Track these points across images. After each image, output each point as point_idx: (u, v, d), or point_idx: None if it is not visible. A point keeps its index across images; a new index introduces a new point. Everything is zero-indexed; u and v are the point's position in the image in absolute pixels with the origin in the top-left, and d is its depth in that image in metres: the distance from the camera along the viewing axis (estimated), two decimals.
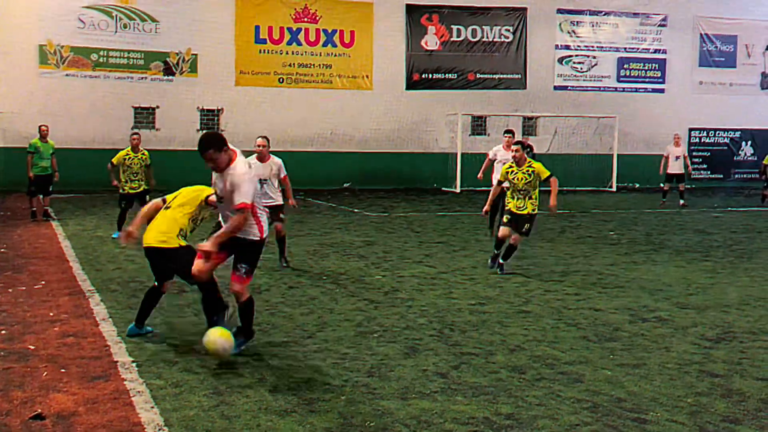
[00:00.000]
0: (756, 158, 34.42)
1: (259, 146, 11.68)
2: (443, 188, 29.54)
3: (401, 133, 30.19)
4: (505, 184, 12.10)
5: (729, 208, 23.76)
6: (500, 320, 8.85)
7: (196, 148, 6.95)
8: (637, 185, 31.94)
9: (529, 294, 10.35)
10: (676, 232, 17.67)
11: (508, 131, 15.83)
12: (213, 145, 6.88)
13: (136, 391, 6.16)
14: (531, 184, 11.59)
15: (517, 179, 11.63)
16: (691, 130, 32.93)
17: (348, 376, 6.68)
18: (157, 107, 27.88)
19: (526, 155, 11.76)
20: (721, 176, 34.02)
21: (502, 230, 11.80)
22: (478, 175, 16.10)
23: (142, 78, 27.74)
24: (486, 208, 12.63)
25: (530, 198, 11.65)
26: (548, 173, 11.59)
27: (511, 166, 11.77)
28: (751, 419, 5.82)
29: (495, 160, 15.34)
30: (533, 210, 11.69)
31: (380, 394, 6.23)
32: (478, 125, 31.34)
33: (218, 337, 6.87)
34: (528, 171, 11.59)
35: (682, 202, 23.70)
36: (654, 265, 12.94)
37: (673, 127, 31.21)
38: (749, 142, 34.41)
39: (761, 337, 8.27)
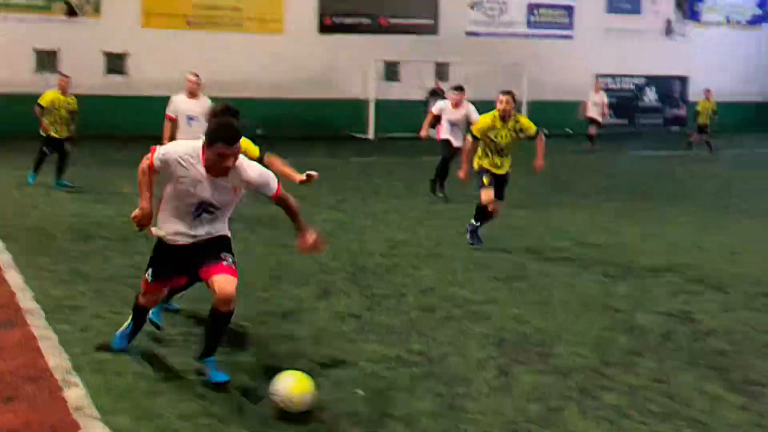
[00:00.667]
0: (660, 104, 35.41)
1: (191, 81, 11.49)
2: (356, 135, 29.50)
3: (313, 78, 29.84)
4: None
5: (632, 152, 24.48)
6: (412, 263, 8.98)
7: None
8: (547, 132, 32.49)
9: (440, 238, 10.52)
10: (583, 175, 18.16)
11: (458, 87, 14.61)
12: (241, 134, 5.20)
13: (44, 337, 6.05)
14: (514, 143, 9.95)
15: (501, 137, 9.80)
16: (598, 76, 33.55)
17: (263, 319, 6.71)
18: (59, 50, 26.80)
19: (513, 109, 9.91)
20: (626, 122, 34.89)
21: (488, 195, 9.88)
22: (421, 133, 14.81)
23: (44, 20, 26.58)
24: (464, 170, 10.10)
25: (507, 156, 10.06)
26: (535, 129, 10.05)
27: (493, 124, 9.83)
28: (651, 353, 6.10)
29: (440, 116, 14.36)
30: (509, 169, 10.15)
31: (296, 336, 6.29)
32: (392, 71, 31.24)
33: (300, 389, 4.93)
34: (515, 128, 9.87)
35: (589, 144, 24.45)
36: (560, 207, 13.30)
37: (581, 74, 31.76)
38: (653, 89, 35.33)
39: (661, 273, 8.63)
